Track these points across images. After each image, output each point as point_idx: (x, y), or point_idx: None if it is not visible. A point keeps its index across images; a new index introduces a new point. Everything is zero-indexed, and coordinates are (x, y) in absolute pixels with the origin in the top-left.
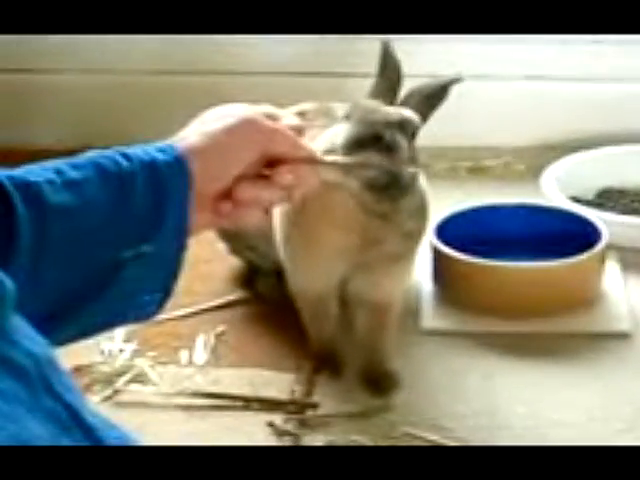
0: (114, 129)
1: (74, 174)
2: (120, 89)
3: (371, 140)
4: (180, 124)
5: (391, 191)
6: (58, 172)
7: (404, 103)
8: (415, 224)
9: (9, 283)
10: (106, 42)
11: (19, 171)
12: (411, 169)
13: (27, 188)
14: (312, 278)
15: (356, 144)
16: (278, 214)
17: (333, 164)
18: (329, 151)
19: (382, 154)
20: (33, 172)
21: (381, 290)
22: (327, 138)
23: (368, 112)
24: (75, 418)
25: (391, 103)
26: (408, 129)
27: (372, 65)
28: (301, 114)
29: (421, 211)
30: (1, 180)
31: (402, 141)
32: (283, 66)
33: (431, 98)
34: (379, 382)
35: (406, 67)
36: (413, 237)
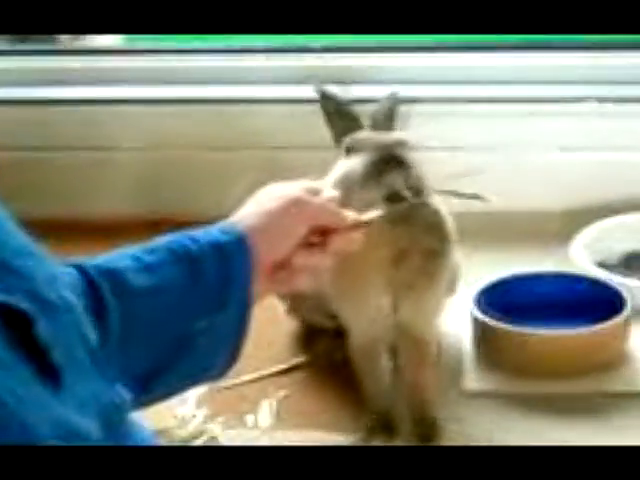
0: (171, 203)
1: (150, 259)
2: (174, 164)
3: (385, 163)
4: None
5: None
6: (136, 259)
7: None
8: (433, 241)
9: (126, 394)
10: (161, 117)
11: (101, 259)
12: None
13: (112, 276)
14: (361, 312)
15: (374, 171)
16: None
17: (373, 219)
18: (346, 186)
19: (401, 172)
20: (114, 260)
21: (419, 319)
22: (341, 173)
23: (369, 141)
24: None
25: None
26: (406, 147)
27: None
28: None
29: (437, 227)
30: (89, 270)
31: (409, 157)
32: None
33: (388, 120)
34: (426, 434)
35: None
36: (434, 256)
